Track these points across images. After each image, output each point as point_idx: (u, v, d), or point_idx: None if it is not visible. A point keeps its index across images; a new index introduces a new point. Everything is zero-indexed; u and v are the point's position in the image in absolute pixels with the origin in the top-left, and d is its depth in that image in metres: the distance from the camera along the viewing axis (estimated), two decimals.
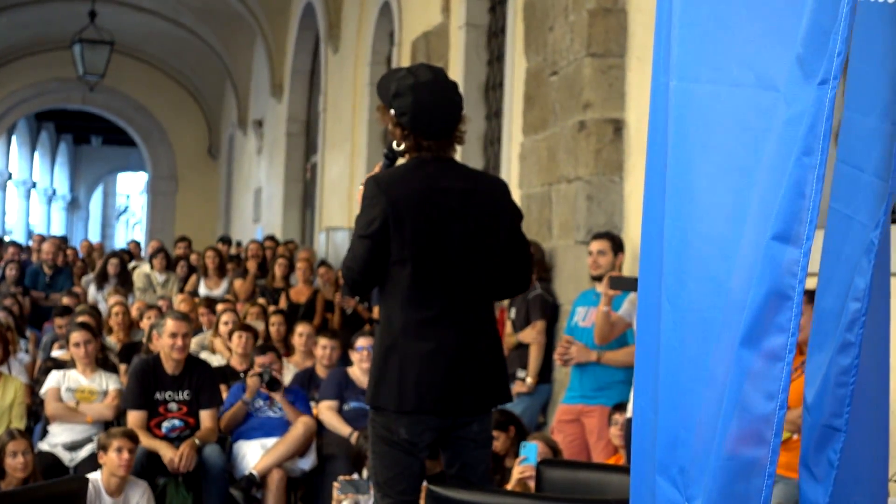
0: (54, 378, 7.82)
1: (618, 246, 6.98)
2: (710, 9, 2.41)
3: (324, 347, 8.55)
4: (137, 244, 19.64)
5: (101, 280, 13.51)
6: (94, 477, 6.46)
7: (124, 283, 13.39)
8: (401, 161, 4.36)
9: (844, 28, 2.17)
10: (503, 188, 4.45)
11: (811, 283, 2.45)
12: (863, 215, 2.62)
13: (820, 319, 2.74)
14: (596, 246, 6.96)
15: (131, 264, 15.22)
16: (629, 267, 6.99)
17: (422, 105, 4.17)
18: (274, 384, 7.54)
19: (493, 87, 10.68)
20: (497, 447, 6.26)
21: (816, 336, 2.75)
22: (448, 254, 4.18)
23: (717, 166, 2.40)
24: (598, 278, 6.91)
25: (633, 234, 7.27)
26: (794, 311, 2.26)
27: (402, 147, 4.29)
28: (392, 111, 4.22)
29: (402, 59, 13.00)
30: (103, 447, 6.49)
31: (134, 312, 10.93)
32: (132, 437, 6.56)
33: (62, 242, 16.44)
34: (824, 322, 2.71)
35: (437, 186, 4.21)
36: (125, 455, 6.42)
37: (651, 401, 2.66)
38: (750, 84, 2.32)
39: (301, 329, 9.29)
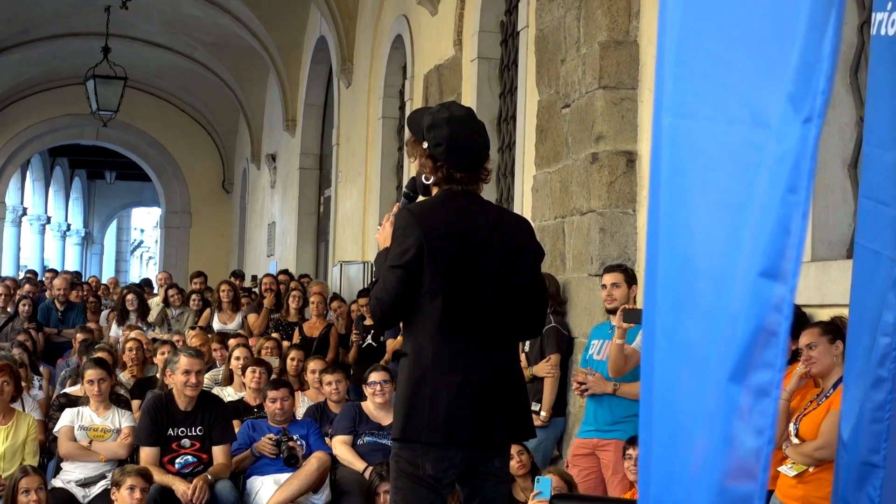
0: (67, 416, 7.80)
1: (631, 278, 6.96)
2: (708, 47, 2.40)
3: (329, 384, 8.53)
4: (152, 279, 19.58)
5: (122, 317, 13.47)
6: None
7: (144, 316, 13.36)
8: (421, 199, 4.36)
9: (828, 67, 2.15)
10: (528, 226, 4.47)
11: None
12: (890, 250, 2.60)
13: (854, 356, 2.72)
14: (610, 279, 6.92)
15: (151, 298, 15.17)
16: (643, 300, 6.95)
17: (457, 137, 4.18)
18: (292, 460, 7.51)
19: (506, 120, 10.68)
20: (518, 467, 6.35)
21: (851, 372, 2.72)
22: (479, 286, 4.16)
23: (714, 202, 2.39)
24: (613, 311, 6.87)
25: None
26: (780, 346, 2.24)
27: (432, 180, 4.26)
28: (425, 143, 4.21)
29: (415, 92, 13.02)
30: (116, 484, 6.48)
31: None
32: (146, 477, 6.54)
33: (75, 278, 16.40)
34: (859, 358, 2.69)
35: (469, 219, 4.21)
36: (137, 494, 6.40)
37: (649, 436, 2.65)
38: (745, 121, 2.31)
39: (314, 366, 9.27)
